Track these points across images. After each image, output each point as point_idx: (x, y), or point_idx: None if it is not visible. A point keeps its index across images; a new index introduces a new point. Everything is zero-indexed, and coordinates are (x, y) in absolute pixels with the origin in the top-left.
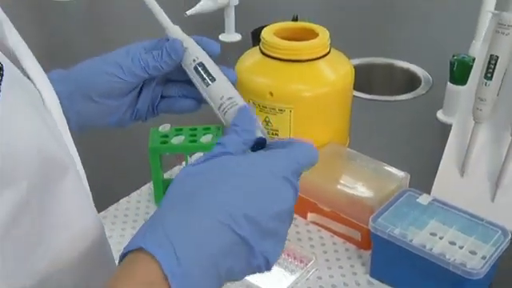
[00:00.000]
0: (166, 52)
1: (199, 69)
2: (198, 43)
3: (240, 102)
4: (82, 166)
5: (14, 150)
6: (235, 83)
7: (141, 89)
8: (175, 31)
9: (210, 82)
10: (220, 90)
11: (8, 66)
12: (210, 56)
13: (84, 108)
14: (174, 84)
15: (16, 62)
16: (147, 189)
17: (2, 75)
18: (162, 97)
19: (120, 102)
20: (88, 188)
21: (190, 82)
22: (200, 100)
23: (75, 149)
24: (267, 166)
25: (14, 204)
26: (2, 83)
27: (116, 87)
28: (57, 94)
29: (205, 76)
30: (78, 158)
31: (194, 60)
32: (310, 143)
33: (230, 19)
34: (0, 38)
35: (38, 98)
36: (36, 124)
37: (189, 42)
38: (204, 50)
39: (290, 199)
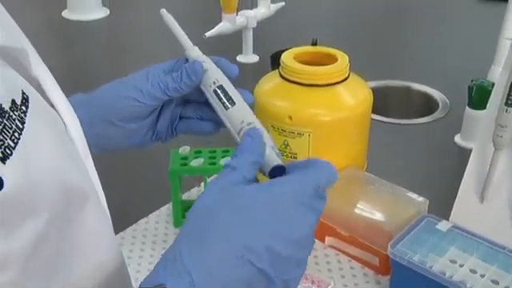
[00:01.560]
0: (185, 73)
1: (219, 92)
2: (217, 64)
3: (259, 127)
4: (104, 196)
5: (36, 183)
6: (252, 105)
7: (160, 110)
8: (195, 52)
9: (229, 106)
10: (240, 115)
11: (33, 96)
12: (229, 78)
13: (104, 131)
14: (193, 105)
15: (39, 89)
16: (166, 210)
17: (27, 107)
18: (181, 117)
19: (140, 125)
20: (109, 217)
21: (208, 104)
22: (218, 123)
23: (97, 177)
24: (282, 194)
25: (34, 235)
26: (27, 115)
27: (136, 111)
28: (78, 119)
29: (224, 99)
30: (100, 186)
31: (214, 82)
32: (328, 162)
33: (248, 41)
34: (25, 67)
35: (61, 126)
36: (59, 155)
37: (208, 64)
38: (222, 71)
39: (307, 225)
